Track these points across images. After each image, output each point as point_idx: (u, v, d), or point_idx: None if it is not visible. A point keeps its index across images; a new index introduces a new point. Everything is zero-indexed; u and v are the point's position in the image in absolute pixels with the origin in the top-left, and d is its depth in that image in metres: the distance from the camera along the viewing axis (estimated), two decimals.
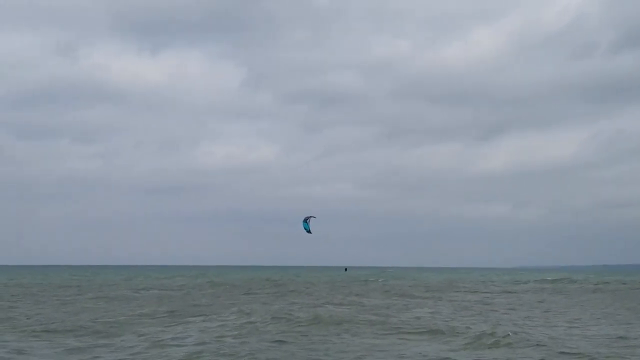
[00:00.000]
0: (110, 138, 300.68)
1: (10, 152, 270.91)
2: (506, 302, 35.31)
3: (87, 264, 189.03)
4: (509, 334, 18.19)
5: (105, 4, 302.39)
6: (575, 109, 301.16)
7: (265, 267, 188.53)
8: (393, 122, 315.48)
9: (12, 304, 32.54)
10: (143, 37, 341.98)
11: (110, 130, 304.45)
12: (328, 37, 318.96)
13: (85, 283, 59.45)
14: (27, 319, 24.39)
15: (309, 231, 68.79)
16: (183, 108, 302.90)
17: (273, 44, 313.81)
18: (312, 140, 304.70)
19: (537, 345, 16.80)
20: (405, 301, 34.88)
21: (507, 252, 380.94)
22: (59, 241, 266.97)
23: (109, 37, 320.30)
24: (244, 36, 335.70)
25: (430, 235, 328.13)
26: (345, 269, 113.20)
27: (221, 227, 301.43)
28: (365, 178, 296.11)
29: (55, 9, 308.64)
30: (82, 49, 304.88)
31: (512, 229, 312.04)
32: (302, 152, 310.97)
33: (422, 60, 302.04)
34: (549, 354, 15.54)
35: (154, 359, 15.18)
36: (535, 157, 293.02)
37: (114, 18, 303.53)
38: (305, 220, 69.71)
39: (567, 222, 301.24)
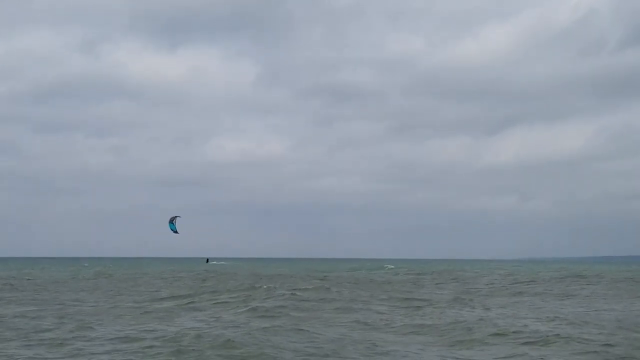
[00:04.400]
0: (126, 133, 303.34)
1: (28, 147, 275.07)
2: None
3: (101, 256, 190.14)
4: None
5: (128, 3, 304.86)
6: (584, 103, 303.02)
7: (276, 260, 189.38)
8: (404, 117, 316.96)
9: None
10: (162, 35, 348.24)
11: (127, 125, 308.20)
12: (344, 34, 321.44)
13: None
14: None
15: (175, 231, 69.13)
16: (198, 104, 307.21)
17: (289, 41, 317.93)
18: (325, 134, 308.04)
19: None
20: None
21: (515, 244, 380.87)
22: (74, 233, 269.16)
23: (130, 34, 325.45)
24: (261, 34, 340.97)
25: (439, 228, 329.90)
26: (207, 260, 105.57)
27: (234, 220, 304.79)
28: (376, 172, 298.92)
29: (79, 7, 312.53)
30: (103, 46, 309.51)
31: (520, 221, 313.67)
32: (315, 146, 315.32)
33: (435, 57, 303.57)
34: None
35: None
36: (543, 150, 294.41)
37: (136, 16, 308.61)
38: (171, 221, 69.99)
39: (575, 215, 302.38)
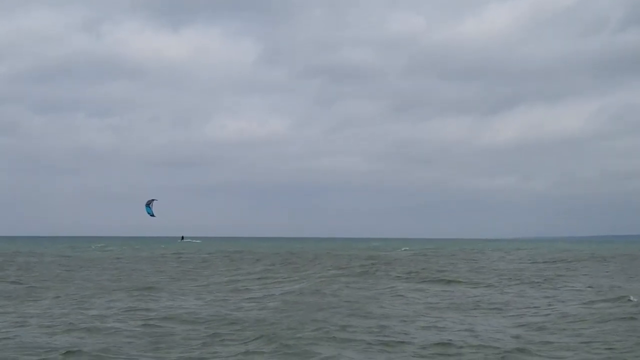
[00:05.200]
0: (126, 112, 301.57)
1: (28, 126, 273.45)
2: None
3: (101, 235, 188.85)
4: None
5: None
6: (585, 83, 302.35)
7: (276, 239, 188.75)
8: (405, 96, 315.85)
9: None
10: (163, 15, 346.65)
11: (127, 105, 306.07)
12: (344, 13, 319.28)
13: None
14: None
15: (152, 214, 68.51)
16: (199, 83, 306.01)
17: (290, 20, 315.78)
18: (325, 114, 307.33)
19: None
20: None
21: (514, 224, 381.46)
22: (74, 213, 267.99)
23: (132, 14, 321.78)
24: (262, 13, 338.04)
25: (439, 207, 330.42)
26: (182, 238, 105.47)
27: (233, 199, 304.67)
28: (376, 151, 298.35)
29: None
30: (105, 26, 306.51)
31: (520, 200, 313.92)
32: (314, 126, 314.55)
33: (436, 36, 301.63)
34: None
35: None
36: (544, 130, 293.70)
37: None
38: (148, 205, 69.41)
39: (575, 194, 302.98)
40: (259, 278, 28.44)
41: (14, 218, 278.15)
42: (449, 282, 25.49)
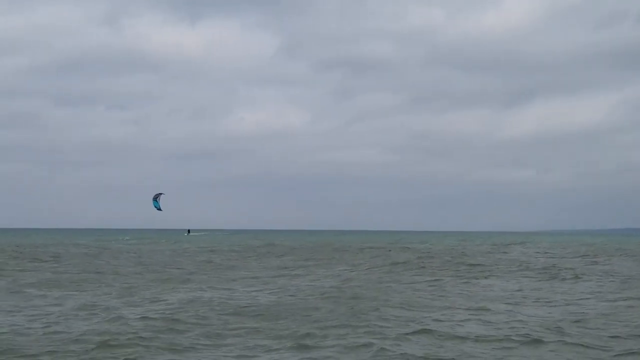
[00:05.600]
0: (145, 105, 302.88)
1: (49, 119, 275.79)
2: None
3: (120, 228, 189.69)
4: None
5: None
6: (603, 75, 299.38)
7: (292, 232, 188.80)
8: (423, 89, 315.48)
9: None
10: (183, 7, 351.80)
11: (146, 97, 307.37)
12: (364, 5, 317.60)
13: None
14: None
15: (159, 209, 68.06)
16: (218, 76, 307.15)
17: (309, 13, 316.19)
18: (343, 107, 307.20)
19: None
20: None
21: (532, 217, 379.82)
22: (93, 205, 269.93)
23: (151, 7, 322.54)
24: (280, 5, 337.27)
25: (456, 200, 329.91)
26: (188, 232, 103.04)
27: (251, 192, 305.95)
28: (393, 144, 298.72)
29: None
30: (125, 20, 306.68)
31: (537, 193, 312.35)
32: (332, 118, 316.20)
33: (455, 29, 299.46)
34: None
35: None
36: (562, 122, 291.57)
37: None
38: (155, 199, 68.91)
39: (594, 187, 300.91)
40: (316, 265, 28.99)
41: (32, 210, 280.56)
42: (498, 277, 25.28)
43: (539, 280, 23.57)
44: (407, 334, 12.39)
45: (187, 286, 21.20)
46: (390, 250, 44.16)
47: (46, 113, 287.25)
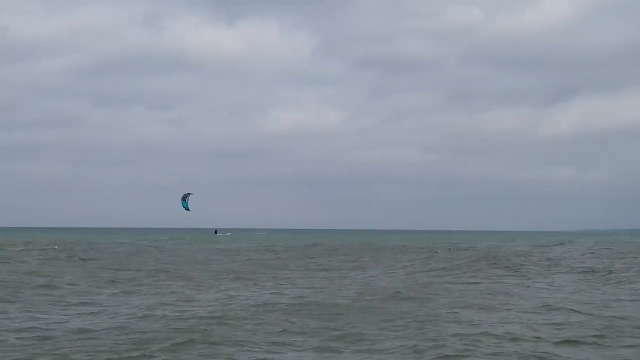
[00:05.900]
0: (184, 105, 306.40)
1: (90, 120, 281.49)
2: None
3: (159, 228, 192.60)
4: None
5: None
6: None
7: (329, 231, 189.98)
8: (461, 87, 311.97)
9: None
10: (221, 8, 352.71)
11: (185, 98, 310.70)
12: (401, 4, 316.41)
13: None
14: None
15: (187, 209, 68.38)
16: (255, 76, 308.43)
17: (346, 12, 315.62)
18: (379, 106, 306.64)
19: None
20: None
21: (571, 216, 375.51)
22: (133, 205, 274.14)
23: (190, 9, 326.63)
24: (318, 5, 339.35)
25: (495, 199, 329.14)
26: (216, 232, 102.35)
27: (287, 191, 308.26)
28: (430, 143, 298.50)
29: None
30: (165, 20, 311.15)
31: (578, 192, 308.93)
32: (369, 117, 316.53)
33: (494, 26, 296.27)
34: None
35: None
36: (604, 120, 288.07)
37: None
38: (184, 199, 69.26)
39: (636, 185, 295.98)
40: (368, 266, 29.78)
41: (71, 210, 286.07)
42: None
43: (589, 282, 24.18)
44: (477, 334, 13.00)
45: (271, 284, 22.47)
46: (437, 252, 44.96)
47: (87, 113, 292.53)
